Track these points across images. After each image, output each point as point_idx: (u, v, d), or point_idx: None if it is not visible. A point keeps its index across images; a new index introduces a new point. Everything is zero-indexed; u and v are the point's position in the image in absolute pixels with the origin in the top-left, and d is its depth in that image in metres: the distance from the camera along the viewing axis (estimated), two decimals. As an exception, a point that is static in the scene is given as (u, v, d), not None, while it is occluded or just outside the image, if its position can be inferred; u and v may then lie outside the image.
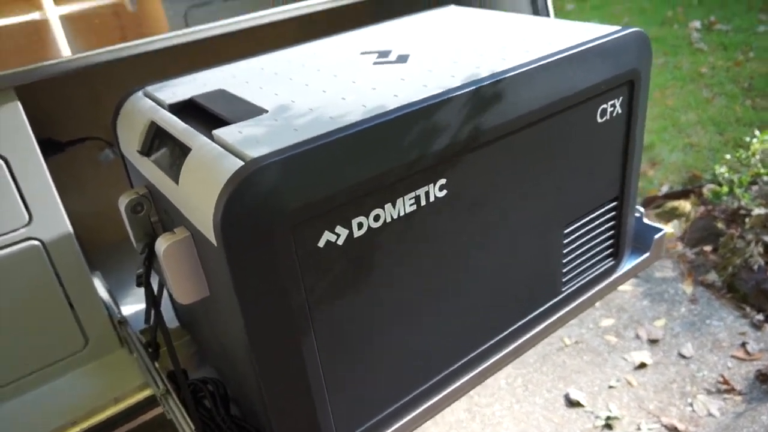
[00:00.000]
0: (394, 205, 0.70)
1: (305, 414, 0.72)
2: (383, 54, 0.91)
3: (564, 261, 0.96)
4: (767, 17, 4.29)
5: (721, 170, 2.42)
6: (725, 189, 2.35)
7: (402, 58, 0.88)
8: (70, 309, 0.97)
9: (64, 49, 1.07)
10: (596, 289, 1.03)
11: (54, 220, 0.93)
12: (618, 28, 0.92)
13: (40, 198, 0.92)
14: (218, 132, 0.69)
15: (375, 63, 0.88)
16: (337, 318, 0.70)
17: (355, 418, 0.78)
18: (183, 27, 1.07)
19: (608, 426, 1.67)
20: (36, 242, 0.93)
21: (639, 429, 1.65)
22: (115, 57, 0.97)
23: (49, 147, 1.27)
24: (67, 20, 1.31)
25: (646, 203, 2.62)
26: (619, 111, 0.93)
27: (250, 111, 0.74)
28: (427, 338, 0.82)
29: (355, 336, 0.73)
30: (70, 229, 0.95)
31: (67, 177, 1.32)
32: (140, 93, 0.90)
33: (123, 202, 0.82)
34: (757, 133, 2.43)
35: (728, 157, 2.48)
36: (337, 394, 0.74)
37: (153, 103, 0.85)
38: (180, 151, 0.72)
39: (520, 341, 0.94)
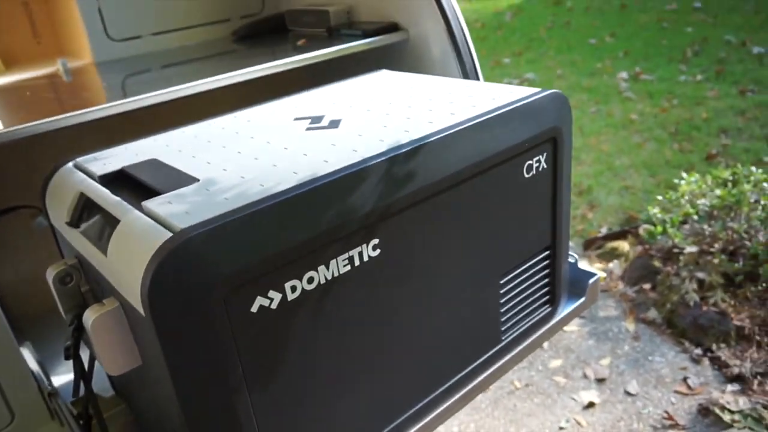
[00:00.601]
0: (327, 267, 0.72)
1: (242, 485, 0.70)
2: (316, 119, 0.94)
3: (502, 310, 0.98)
4: (686, 68, 4.60)
5: (654, 211, 2.54)
6: (659, 229, 2.46)
7: (334, 123, 0.91)
8: (-5, 384, 0.93)
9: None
10: (535, 335, 1.06)
11: (-21, 293, 0.91)
12: (538, 90, 0.97)
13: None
14: (147, 203, 0.69)
15: (308, 128, 0.90)
16: (274, 383, 0.70)
17: (295, 486, 0.76)
18: (120, 95, 1.08)
19: (561, 470, 1.68)
20: (-41, 316, 0.89)
21: (590, 471, 1.67)
22: (49, 129, 0.97)
23: (-21, 215, 1.23)
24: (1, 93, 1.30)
25: (588, 245, 2.72)
26: (545, 166, 0.98)
27: (181, 180, 0.75)
28: (368, 397, 0.82)
29: (294, 400, 0.73)
30: (-3, 301, 0.92)
31: (-3, 245, 1.29)
32: (71, 165, 0.89)
33: (51, 273, 0.80)
34: (684, 175, 2.57)
35: (660, 198, 2.61)
36: (275, 461, 0.73)
37: (83, 175, 0.84)
38: (109, 222, 0.72)
39: (462, 392, 0.95)
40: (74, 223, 0.79)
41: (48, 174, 0.88)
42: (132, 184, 0.78)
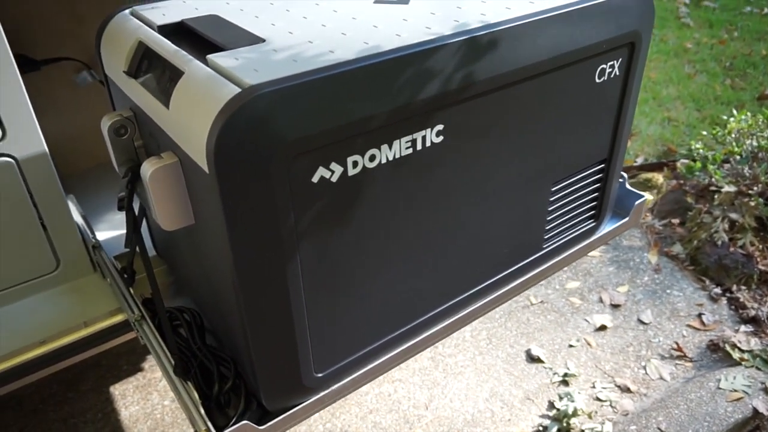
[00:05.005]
0: (390, 147, 0.69)
1: (285, 347, 0.72)
2: (385, -8, 0.88)
3: (548, 218, 0.97)
4: (755, -2, 4.30)
5: (697, 146, 2.46)
6: (698, 165, 2.39)
7: (403, 0, 0.86)
8: (42, 229, 0.94)
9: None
10: (575, 248, 1.05)
11: (29, 138, 0.90)
12: (624, -13, 0.90)
13: (14, 112, 0.87)
14: (213, 57, 0.66)
15: (376, 2, 0.85)
16: (323, 254, 0.70)
17: (332, 355, 0.78)
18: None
19: (565, 382, 1.73)
20: (9, 159, 0.89)
21: (593, 387, 1.72)
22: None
23: (23, 64, 1.21)
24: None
25: (621, 173, 2.66)
26: (617, 73, 0.92)
27: (246, 39, 0.71)
28: (410, 282, 0.82)
29: (340, 273, 0.73)
30: (46, 148, 0.91)
31: (40, 97, 1.27)
32: (127, 12, 0.86)
33: (106, 123, 0.79)
34: (734, 112, 2.47)
35: (704, 133, 2.52)
36: (317, 328, 0.74)
37: (141, 24, 0.81)
38: (171, 74, 0.70)
39: (497, 293, 0.96)
40: (132, 72, 0.76)
41: (104, 20, 0.85)
42: (193, 38, 0.75)
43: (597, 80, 0.90)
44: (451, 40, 0.71)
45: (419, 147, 0.72)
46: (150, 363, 1.72)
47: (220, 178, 0.59)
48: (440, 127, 0.73)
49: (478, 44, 0.73)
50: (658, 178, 2.59)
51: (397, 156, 0.70)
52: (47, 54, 1.26)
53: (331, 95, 0.63)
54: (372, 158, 0.68)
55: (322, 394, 0.80)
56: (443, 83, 0.70)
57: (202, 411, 0.73)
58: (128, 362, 1.73)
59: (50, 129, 1.17)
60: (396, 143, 0.70)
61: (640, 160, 2.71)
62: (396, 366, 0.89)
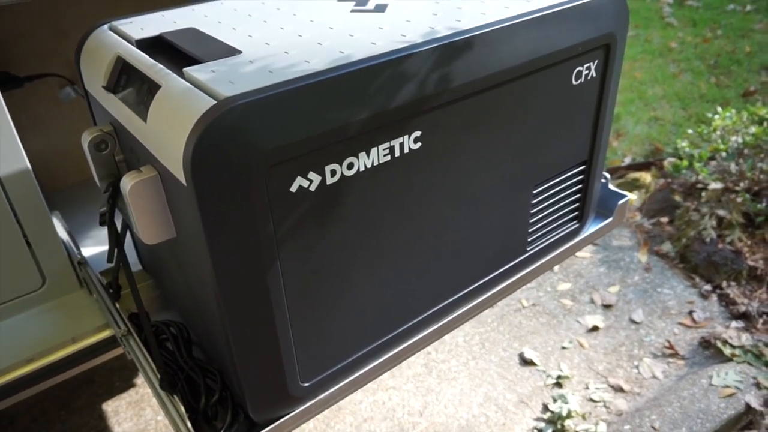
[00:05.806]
0: (368, 154, 0.70)
1: (270, 357, 0.72)
2: (361, 2, 0.89)
3: (531, 221, 0.97)
4: (737, -4, 4.34)
5: (683, 144, 2.48)
6: (685, 163, 2.41)
7: (380, 8, 0.86)
8: (27, 247, 0.94)
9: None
10: (560, 250, 1.06)
11: (11, 155, 0.90)
12: (598, -10, 0.91)
13: (-4, 131, 0.88)
14: (189, 70, 0.67)
15: (353, 11, 0.86)
16: (305, 263, 0.70)
17: (318, 364, 0.79)
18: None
19: (558, 384, 1.74)
20: (-9, 177, 0.89)
21: (587, 388, 1.72)
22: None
23: (6, 81, 1.21)
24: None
25: (609, 173, 2.68)
26: (594, 75, 0.93)
27: (223, 51, 0.72)
28: (393, 289, 0.82)
29: (322, 282, 0.74)
30: (28, 164, 0.91)
31: (24, 113, 1.27)
32: (106, 27, 0.86)
33: (86, 139, 0.79)
34: (719, 109, 2.49)
35: (690, 132, 2.54)
36: (302, 338, 0.74)
37: (119, 38, 0.81)
38: (148, 88, 0.70)
39: (483, 297, 0.96)
40: (111, 87, 0.77)
41: (83, 35, 0.85)
42: (171, 51, 0.75)
43: (574, 82, 0.91)
44: (426, 47, 0.71)
45: (397, 154, 0.72)
46: (142, 379, 1.71)
47: (198, 190, 0.59)
48: (418, 133, 0.73)
49: (453, 50, 0.74)
50: (646, 177, 2.61)
51: (376, 163, 0.71)
52: (31, 70, 1.26)
53: (306, 105, 0.63)
54: (350, 166, 0.69)
55: (309, 403, 0.80)
56: (419, 90, 0.71)
57: (189, 424, 0.73)
58: (121, 378, 1.73)
59: (35, 145, 1.17)
60: (374, 150, 0.70)
61: (627, 160, 2.73)
62: (385, 372, 0.89)
